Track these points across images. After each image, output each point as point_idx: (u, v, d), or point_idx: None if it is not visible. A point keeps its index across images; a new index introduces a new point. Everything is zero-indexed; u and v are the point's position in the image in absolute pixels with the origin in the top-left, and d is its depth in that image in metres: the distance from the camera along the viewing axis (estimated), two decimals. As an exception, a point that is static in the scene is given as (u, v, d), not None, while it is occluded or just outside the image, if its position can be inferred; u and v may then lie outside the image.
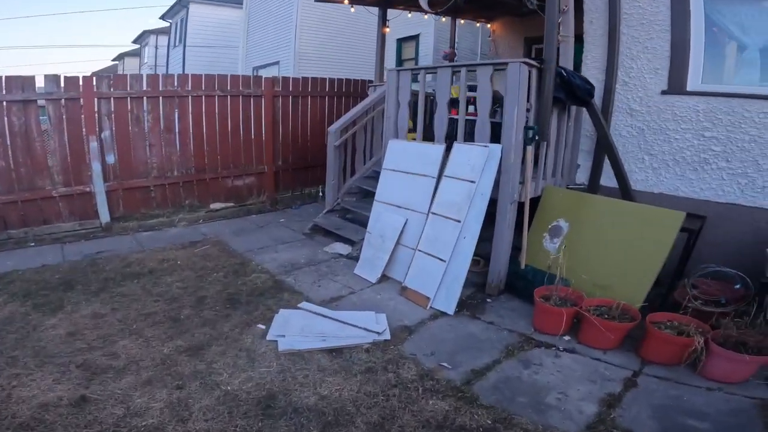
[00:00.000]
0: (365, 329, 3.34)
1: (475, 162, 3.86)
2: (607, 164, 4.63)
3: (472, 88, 4.67)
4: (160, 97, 6.05)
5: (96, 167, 5.60)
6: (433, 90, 4.79)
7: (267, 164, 7.11)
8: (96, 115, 5.56)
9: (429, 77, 4.79)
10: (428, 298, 3.90)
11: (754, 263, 3.68)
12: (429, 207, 4.17)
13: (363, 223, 5.59)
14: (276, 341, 3.22)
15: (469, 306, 3.96)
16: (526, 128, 3.79)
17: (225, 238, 5.53)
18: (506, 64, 3.70)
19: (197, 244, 5.27)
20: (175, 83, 6.15)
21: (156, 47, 23.85)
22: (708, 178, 4.20)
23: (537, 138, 3.85)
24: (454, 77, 4.33)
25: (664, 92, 4.32)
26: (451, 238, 3.86)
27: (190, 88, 6.25)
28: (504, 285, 4.19)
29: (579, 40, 4.69)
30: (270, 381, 2.79)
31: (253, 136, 6.94)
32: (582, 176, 4.89)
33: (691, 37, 4.13)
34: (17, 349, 3.07)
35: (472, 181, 3.83)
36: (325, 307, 3.76)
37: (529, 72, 3.72)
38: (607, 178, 4.70)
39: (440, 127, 4.36)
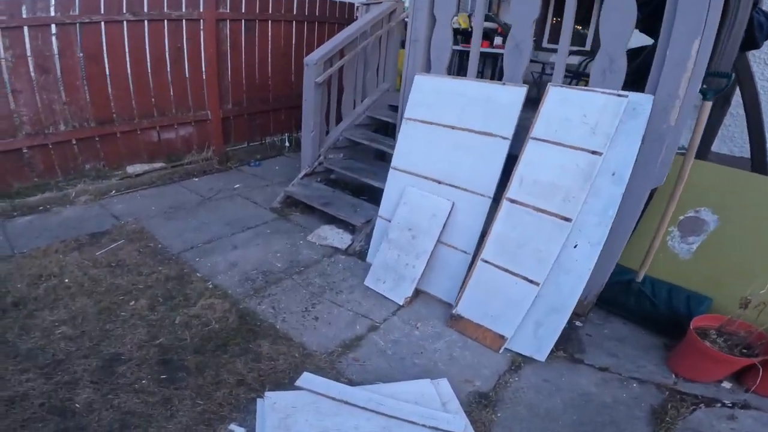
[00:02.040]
0: (433, 428, 1.67)
1: (600, 120, 2.12)
2: (725, 125, 3.04)
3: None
4: (25, 28, 3.58)
5: None
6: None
7: (211, 109, 4.85)
8: None
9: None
10: (502, 337, 2.30)
11: None
12: (499, 188, 2.41)
13: (358, 191, 3.79)
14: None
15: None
16: (714, 74, 2.08)
17: (150, 225, 3.47)
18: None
19: (102, 239, 3.18)
20: (52, 7, 3.66)
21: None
22: None
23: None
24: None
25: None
26: (549, 245, 2.18)
27: (77, 13, 3.77)
28: (596, 298, 2.63)
29: None
30: None
31: (188, 73, 4.61)
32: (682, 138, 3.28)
33: None
34: None
35: (594, 152, 2.11)
36: (336, 379, 2.05)
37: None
38: (722, 142, 3.14)
39: (517, 58, 2.49)
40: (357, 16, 4.79)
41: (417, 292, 2.73)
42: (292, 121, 5.71)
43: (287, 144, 5.76)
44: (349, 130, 4.09)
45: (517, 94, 2.42)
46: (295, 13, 5.34)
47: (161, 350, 2.15)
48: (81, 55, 3.93)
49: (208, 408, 1.86)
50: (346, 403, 1.87)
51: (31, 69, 3.70)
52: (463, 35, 5.32)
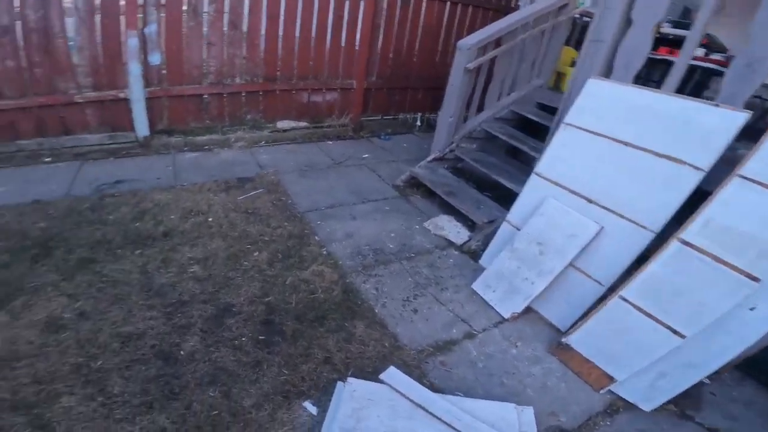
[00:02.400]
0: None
1: None
2: None
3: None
4: (228, -15, 3.94)
5: (134, 68, 3.72)
6: None
7: (357, 79, 4.85)
8: (141, 6, 3.60)
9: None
10: (611, 379, 1.94)
11: None
12: (670, 224, 1.88)
13: (485, 185, 3.45)
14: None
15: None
16: None
17: (286, 180, 3.59)
18: None
19: (246, 185, 3.39)
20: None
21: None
22: None
23: None
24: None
25: None
26: (718, 301, 1.67)
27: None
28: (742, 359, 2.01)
29: None
30: None
31: (344, 43, 4.64)
32: None
33: None
34: None
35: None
36: (418, 380, 1.85)
37: None
38: None
39: (746, 79, 1.92)
40: (519, 5, 4.25)
41: (526, 310, 2.36)
42: (428, 101, 5.48)
43: (418, 123, 5.55)
44: (488, 121, 3.70)
45: (733, 120, 1.79)
46: (453, -8, 4.98)
47: (267, 309, 2.16)
48: (264, 14, 4.15)
49: (290, 380, 1.80)
50: (424, 409, 1.69)
51: (225, 24, 4.01)
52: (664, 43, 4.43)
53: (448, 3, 5.02)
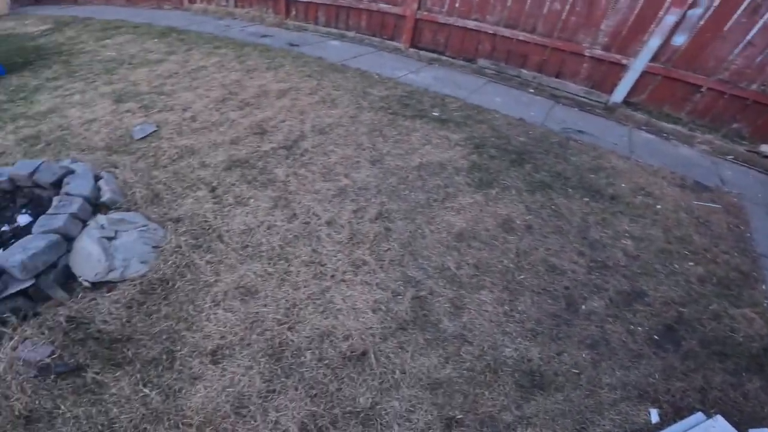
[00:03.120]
0: None
1: None
2: None
3: None
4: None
5: (653, 43, 3.77)
6: None
7: None
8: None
9: None
10: None
11: None
12: None
13: None
14: None
15: None
16: None
17: (751, 210, 2.95)
18: None
19: (703, 193, 3.03)
20: None
21: None
22: None
23: None
24: None
25: None
26: None
27: None
28: None
29: None
30: None
31: None
32: None
33: None
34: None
35: None
36: None
37: None
38: None
39: None
40: None
41: None
42: None
43: None
44: None
45: None
46: None
47: (677, 318, 2.01)
48: None
49: (655, 385, 1.73)
50: None
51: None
52: None
53: None
